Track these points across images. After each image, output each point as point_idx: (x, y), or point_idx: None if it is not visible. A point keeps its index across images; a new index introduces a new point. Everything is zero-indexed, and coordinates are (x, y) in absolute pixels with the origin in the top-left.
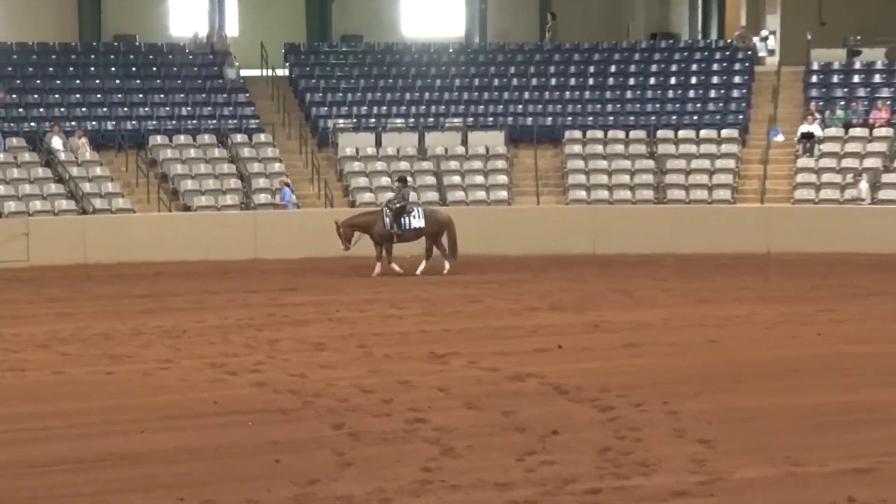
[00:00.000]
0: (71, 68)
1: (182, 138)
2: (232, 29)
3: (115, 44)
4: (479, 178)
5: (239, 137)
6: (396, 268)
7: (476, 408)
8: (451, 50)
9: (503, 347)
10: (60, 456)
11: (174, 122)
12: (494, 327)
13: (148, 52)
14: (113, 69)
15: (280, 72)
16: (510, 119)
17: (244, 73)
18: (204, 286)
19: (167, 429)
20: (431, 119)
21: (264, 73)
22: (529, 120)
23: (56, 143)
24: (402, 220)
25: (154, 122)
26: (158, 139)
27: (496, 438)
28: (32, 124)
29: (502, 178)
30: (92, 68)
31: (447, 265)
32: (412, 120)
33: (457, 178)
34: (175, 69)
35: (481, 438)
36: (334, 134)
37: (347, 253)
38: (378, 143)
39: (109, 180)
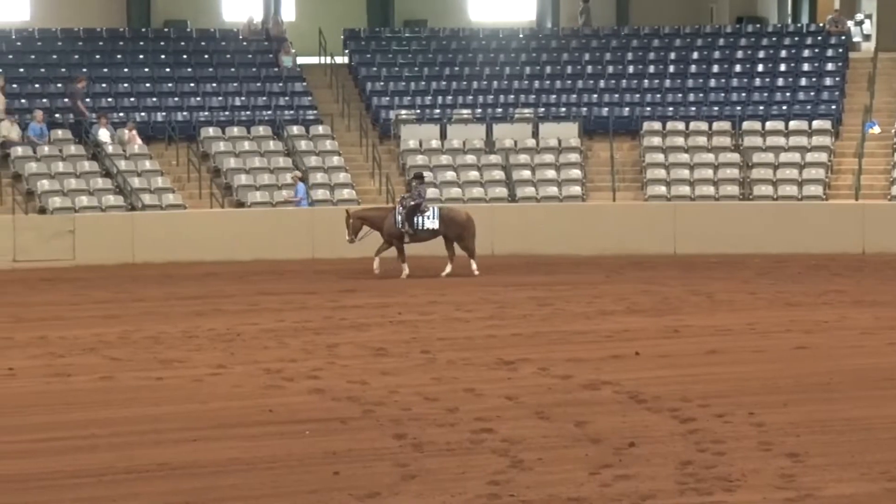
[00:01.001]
0: (119, 56)
1: (235, 130)
2: (288, 14)
3: (166, 30)
4: (551, 173)
5: (295, 129)
6: (406, 269)
7: (547, 418)
8: (521, 35)
9: (576, 353)
10: (107, 466)
11: (227, 113)
12: (566, 332)
13: (199, 38)
14: (163, 57)
15: (339, 59)
16: (584, 109)
17: (301, 60)
18: (258, 287)
19: (219, 438)
20: (500, 110)
21: (322, 61)
22: (605, 110)
23: (103, 135)
24: (416, 219)
25: (206, 113)
26: (211, 131)
27: (568, 450)
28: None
29: (576, 173)
30: (141, 56)
31: (474, 265)
32: (479, 111)
33: (527, 173)
34: (228, 57)
35: (552, 450)
36: (396, 125)
37: (353, 246)
38: (443, 136)
39: (159, 175)
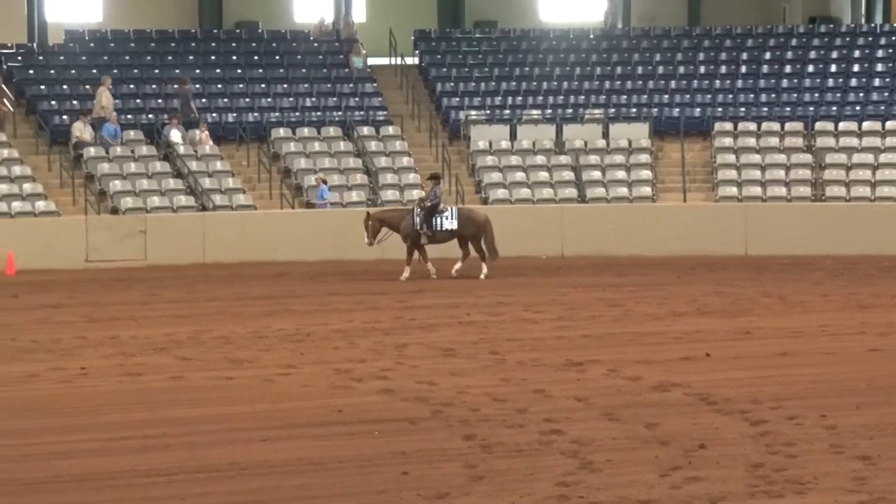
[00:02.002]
0: (191, 57)
1: (306, 131)
2: (359, 15)
3: (237, 31)
4: (621, 174)
5: (365, 130)
6: (431, 269)
7: (616, 419)
8: (591, 36)
9: (646, 355)
10: (178, 465)
11: (298, 113)
12: (636, 333)
13: (271, 39)
14: (234, 58)
15: (409, 60)
16: (655, 110)
17: (371, 61)
18: (328, 287)
19: (289, 438)
20: (570, 110)
21: (393, 62)
22: (676, 111)
23: (175, 135)
24: (434, 220)
25: (277, 114)
26: (281, 132)
27: (638, 452)
28: (150, 116)
29: (646, 174)
30: (212, 57)
31: (485, 269)
32: (549, 111)
33: (597, 174)
34: (299, 58)
35: (622, 452)
36: (466, 126)
37: (371, 248)
38: (513, 136)
39: (230, 175)
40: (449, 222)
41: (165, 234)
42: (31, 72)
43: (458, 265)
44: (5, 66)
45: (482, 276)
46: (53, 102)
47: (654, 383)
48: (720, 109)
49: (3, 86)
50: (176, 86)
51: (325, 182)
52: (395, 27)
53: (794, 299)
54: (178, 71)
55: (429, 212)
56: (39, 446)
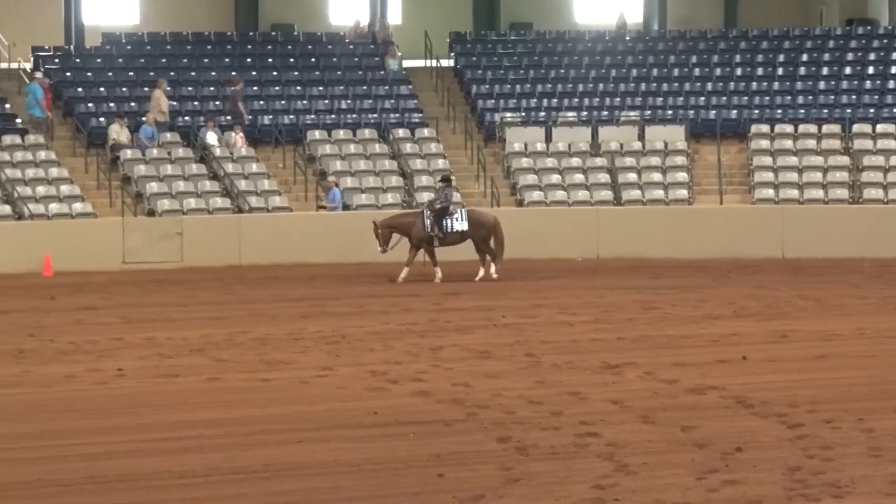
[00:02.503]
0: (227, 59)
1: (341, 133)
2: (395, 17)
3: (273, 33)
4: (657, 176)
5: (401, 132)
6: (439, 274)
7: (652, 422)
8: (627, 38)
9: (682, 358)
10: (214, 466)
11: (333, 116)
12: (672, 336)
13: (306, 42)
14: (270, 60)
15: (445, 62)
16: (691, 112)
17: (407, 63)
18: (364, 290)
19: (325, 439)
20: (606, 112)
21: (428, 64)
22: (712, 113)
23: (211, 138)
24: (444, 222)
25: (312, 116)
26: (317, 134)
27: (674, 455)
28: (187, 118)
29: (682, 176)
30: (248, 59)
31: (493, 269)
32: (585, 113)
33: (633, 176)
34: (334, 60)
35: (658, 455)
36: (501, 128)
37: (385, 256)
38: (548, 139)
39: (265, 177)
40: (459, 224)
41: (201, 236)
42: (68, 74)
43: (484, 271)
44: (43, 69)
45: (481, 277)
46: (90, 105)
47: (690, 386)
48: (757, 111)
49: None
50: (232, 88)
51: (337, 185)
52: (430, 29)
53: (832, 302)
54: (213, 73)
55: (439, 214)
56: (77, 447)
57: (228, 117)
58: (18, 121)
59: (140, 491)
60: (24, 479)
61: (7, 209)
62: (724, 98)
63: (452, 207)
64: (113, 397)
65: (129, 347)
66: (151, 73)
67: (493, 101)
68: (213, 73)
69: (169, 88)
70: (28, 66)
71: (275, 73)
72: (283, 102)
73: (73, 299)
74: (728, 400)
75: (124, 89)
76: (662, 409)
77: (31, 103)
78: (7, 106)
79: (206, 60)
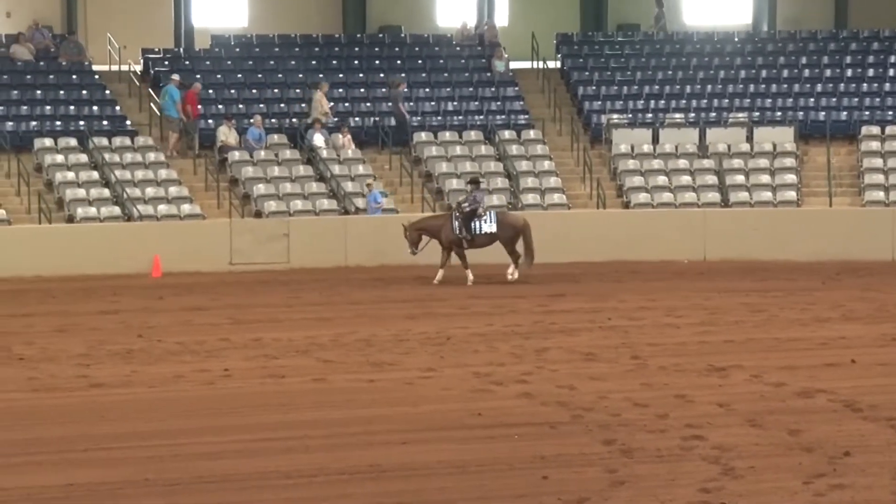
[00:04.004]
0: (334, 62)
1: (447, 135)
2: (501, 18)
3: (380, 35)
4: (766, 178)
5: (507, 134)
6: (470, 276)
7: (759, 425)
8: (736, 39)
9: (790, 361)
10: (319, 467)
11: (440, 117)
12: (780, 339)
13: (413, 43)
14: (377, 62)
15: (551, 64)
16: (800, 113)
17: (513, 65)
18: (468, 291)
19: (429, 441)
20: (714, 114)
21: (535, 66)
22: (822, 114)
23: (318, 140)
24: (473, 224)
25: (419, 118)
26: (423, 136)
27: (781, 459)
28: (294, 120)
29: (791, 178)
30: (355, 61)
31: (511, 270)
32: (692, 115)
33: (740, 178)
34: (441, 62)
35: (765, 458)
36: (608, 130)
37: (415, 258)
38: (655, 140)
39: (372, 179)
40: (488, 226)
41: (308, 238)
42: (177, 77)
43: (512, 271)
44: (152, 71)
45: (510, 277)
46: (199, 107)
47: (797, 389)
48: (867, 113)
49: (152, 91)
50: (395, 89)
51: (371, 187)
52: (537, 31)
53: None
54: (321, 76)
55: (467, 216)
56: (184, 447)
57: (401, 117)
58: (128, 122)
59: (246, 491)
60: (132, 479)
61: (117, 210)
62: (834, 99)
63: (481, 210)
64: (220, 398)
65: (235, 348)
66: (259, 76)
67: (599, 102)
68: (321, 76)
69: (276, 91)
70: (138, 68)
71: (381, 75)
72: (389, 105)
73: (181, 300)
74: (836, 403)
75: (233, 91)
76: (769, 413)
77: (168, 104)
78: (117, 108)
79: (313, 62)
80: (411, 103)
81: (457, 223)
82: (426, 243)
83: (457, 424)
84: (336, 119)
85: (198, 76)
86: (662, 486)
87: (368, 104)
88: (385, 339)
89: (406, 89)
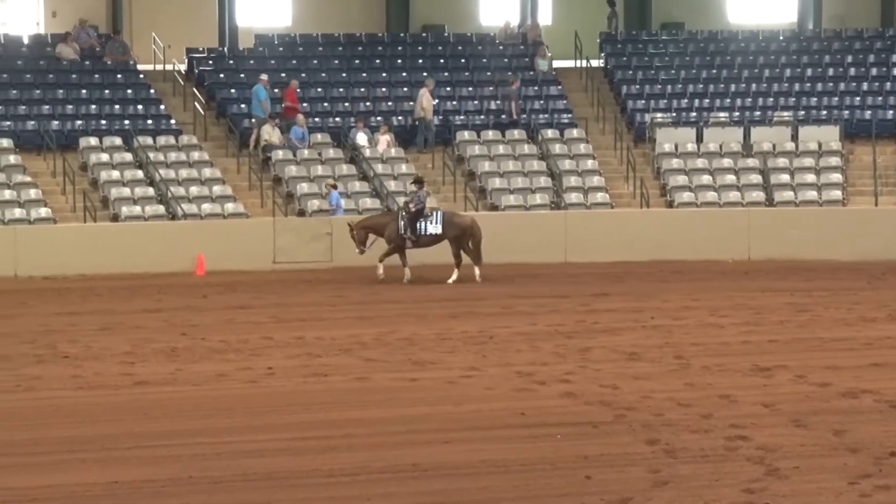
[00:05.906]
0: (377, 61)
1: (490, 134)
2: (545, 17)
3: (423, 34)
4: (811, 177)
5: (550, 133)
6: (408, 274)
7: (804, 426)
8: (781, 37)
9: (835, 361)
10: (362, 465)
11: (482, 116)
12: (825, 339)
13: (457, 43)
14: (420, 61)
15: (594, 63)
16: (846, 112)
17: (557, 64)
18: (511, 290)
19: (472, 440)
20: (758, 113)
21: (578, 65)
22: (868, 113)
23: (360, 139)
24: (418, 224)
25: (462, 117)
26: (466, 135)
27: (826, 459)
28: (337, 119)
29: (836, 177)
30: (399, 60)
31: (477, 273)
32: (737, 114)
33: (785, 177)
34: (484, 61)
35: (810, 459)
36: (652, 129)
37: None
38: (699, 139)
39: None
40: (433, 227)
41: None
42: (221, 76)
43: (454, 274)
44: (197, 70)
45: (478, 279)
46: (243, 106)
47: (843, 390)
48: None
49: (196, 90)
50: (510, 86)
51: (335, 188)
52: (580, 30)
53: None
54: (364, 74)
55: (413, 217)
56: (228, 445)
57: (514, 115)
58: (173, 121)
59: (289, 489)
60: (177, 476)
61: (161, 209)
62: (880, 98)
63: (428, 210)
64: (263, 396)
65: (279, 346)
66: (303, 75)
67: (643, 101)
68: (364, 75)
69: (319, 90)
70: (182, 67)
71: (425, 74)
72: (434, 103)
73: (225, 298)
74: (882, 404)
75: (276, 90)
76: (814, 413)
77: (254, 104)
78: (162, 107)
79: (356, 62)
80: (454, 102)
81: (402, 223)
82: (373, 241)
83: (499, 424)
84: (439, 117)
85: (241, 75)
86: (706, 486)
87: (410, 104)
88: (427, 338)
89: (518, 86)
